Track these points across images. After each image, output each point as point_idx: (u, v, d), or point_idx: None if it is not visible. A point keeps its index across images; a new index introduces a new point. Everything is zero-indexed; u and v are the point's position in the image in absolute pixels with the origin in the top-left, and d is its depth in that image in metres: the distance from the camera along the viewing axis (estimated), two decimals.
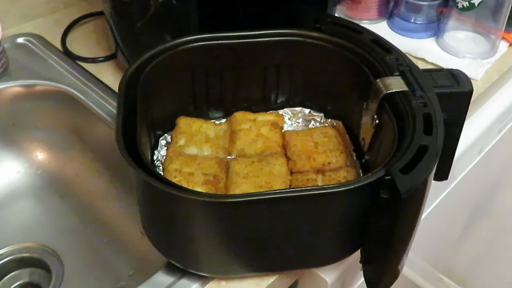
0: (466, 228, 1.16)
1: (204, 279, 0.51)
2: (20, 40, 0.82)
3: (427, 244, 0.94)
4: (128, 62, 0.72)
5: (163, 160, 0.58)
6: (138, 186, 0.47)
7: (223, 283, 0.51)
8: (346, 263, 0.56)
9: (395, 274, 0.50)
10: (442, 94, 0.50)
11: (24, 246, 0.72)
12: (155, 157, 0.59)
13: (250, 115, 0.62)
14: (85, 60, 0.79)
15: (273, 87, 0.64)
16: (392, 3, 0.85)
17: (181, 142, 0.59)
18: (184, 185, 0.53)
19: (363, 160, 0.58)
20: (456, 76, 0.53)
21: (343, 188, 0.43)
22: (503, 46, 0.80)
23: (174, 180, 0.53)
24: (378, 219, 0.46)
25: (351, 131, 0.61)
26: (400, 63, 0.54)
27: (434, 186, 0.47)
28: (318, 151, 0.58)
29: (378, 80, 0.52)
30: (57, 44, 0.81)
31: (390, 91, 0.50)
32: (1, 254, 0.71)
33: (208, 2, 0.62)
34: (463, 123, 0.54)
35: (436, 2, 0.80)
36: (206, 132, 0.61)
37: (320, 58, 0.60)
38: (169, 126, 0.62)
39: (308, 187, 0.53)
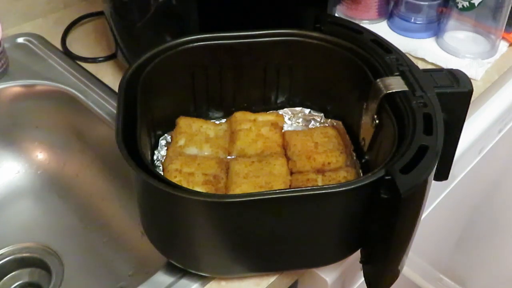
0: (466, 228, 1.16)
1: (204, 279, 0.51)
2: (20, 40, 0.82)
3: (427, 244, 0.94)
4: (128, 62, 0.72)
5: (163, 160, 0.58)
6: (138, 186, 0.47)
7: (223, 283, 0.51)
8: (346, 263, 0.56)
9: (395, 274, 0.50)
10: (442, 94, 0.50)
11: (24, 246, 0.72)
12: (155, 157, 0.59)
13: (250, 115, 0.62)
14: (85, 60, 0.79)
15: (273, 87, 0.64)
16: (392, 3, 0.85)
17: (181, 142, 0.59)
18: (184, 185, 0.53)
19: (363, 160, 0.58)
20: (456, 76, 0.53)
21: (343, 188, 0.43)
22: (503, 46, 0.80)
23: (174, 180, 0.53)
24: (378, 219, 0.46)
25: (351, 131, 0.61)
26: (400, 63, 0.54)
27: (434, 186, 0.47)
28: (318, 151, 0.58)
29: (378, 80, 0.52)
30: (57, 44, 0.81)
31: (390, 91, 0.50)
32: (1, 254, 0.71)
33: (208, 2, 0.62)
34: (463, 123, 0.54)
35: (436, 2, 0.80)
36: (206, 132, 0.61)
37: (320, 58, 0.60)
38: (169, 126, 0.62)
39: (308, 187, 0.53)
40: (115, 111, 0.51)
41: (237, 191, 0.53)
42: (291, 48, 0.60)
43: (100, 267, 0.69)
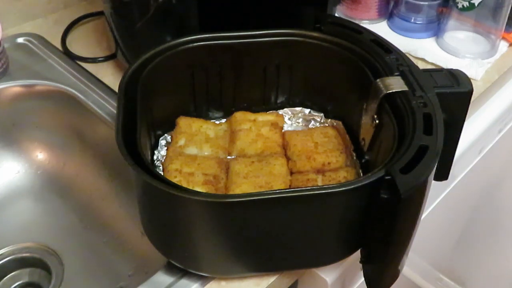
0: (466, 228, 1.16)
1: (204, 279, 0.51)
2: (20, 40, 0.82)
3: (427, 244, 0.94)
4: (128, 62, 0.72)
5: (163, 160, 0.58)
6: (138, 186, 0.47)
7: (223, 283, 0.51)
8: (346, 263, 0.56)
9: (395, 274, 0.50)
10: (442, 94, 0.50)
11: (24, 246, 0.72)
12: (155, 157, 0.59)
13: (250, 115, 0.62)
14: (85, 60, 0.79)
15: (273, 87, 0.64)
16: (392, 3, 0.85)
17: (181, 142, 0.59)
18: (184, 185, 0.53)
19: (363, 160, 0.58)
20: (456, 76, 0.53)
21: (343, 188, 0.43)
22: (503, 46, 0.80)
23: (174, 180, 0.53)
24: (378, 219, 0.46)
25: (351, 131, 0.61)
26: (400, 63, 0.54)
27: (434, 186, 0.47)
28: (318, 151, 0.58)
29: (378, 80, 0.52)
30: (57, 44, 0.81)
31: (390, 91, 0.50)
32: (1, 254, 0.71)
33: (208, 2, 0.62)
34: (463, 123, 0.54)
35: (436, 2, 0.80)
36: (206, 132, 0.61)
37: (320, 58, 0.60)
38: (169, 126, 0.62)
39: (308, 187, 0.53)
40: (115, 111, 0.51)
41: (237, 191, 0.53)
42: (291, 48, 0.60)
43: (100, 267, 0.69)
